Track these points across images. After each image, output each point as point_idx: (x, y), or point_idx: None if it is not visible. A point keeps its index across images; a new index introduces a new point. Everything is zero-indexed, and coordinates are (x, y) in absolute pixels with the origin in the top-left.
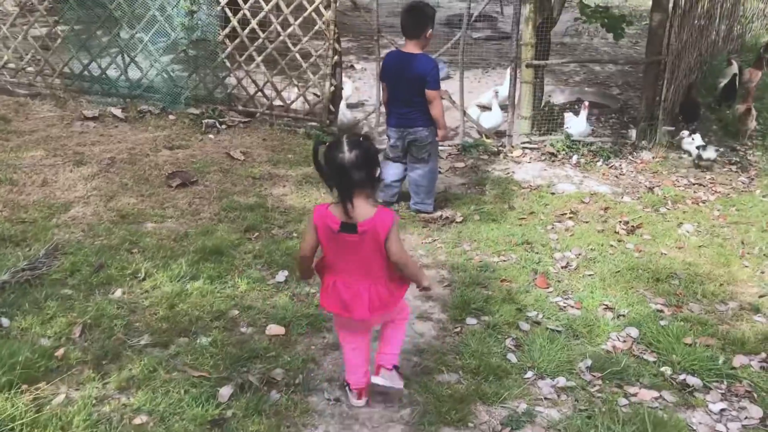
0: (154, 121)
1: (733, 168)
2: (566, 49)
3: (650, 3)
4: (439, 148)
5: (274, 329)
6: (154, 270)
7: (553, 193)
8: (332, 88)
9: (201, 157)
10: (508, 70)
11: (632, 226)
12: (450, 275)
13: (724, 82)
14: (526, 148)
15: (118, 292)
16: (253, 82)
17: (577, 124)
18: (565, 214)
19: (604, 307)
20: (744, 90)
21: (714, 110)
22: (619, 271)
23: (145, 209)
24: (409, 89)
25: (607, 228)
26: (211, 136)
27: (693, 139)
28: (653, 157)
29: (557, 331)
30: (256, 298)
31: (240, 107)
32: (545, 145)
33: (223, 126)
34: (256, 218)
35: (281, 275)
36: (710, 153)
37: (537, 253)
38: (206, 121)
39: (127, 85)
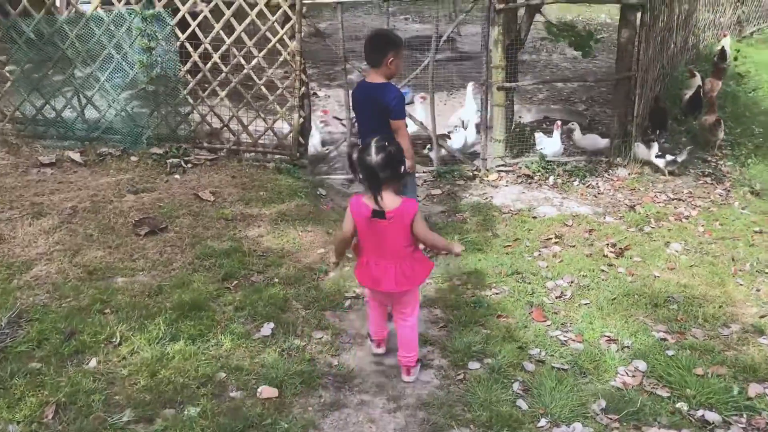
0: (115, 164)
1: (708, 180)
2: (527, 67)
3: (603, 17)
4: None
5: (266, 391)
6: (130, 333)
7: (534, 217)
8: (301, 120)
9: (168, 200)
10: (469, 89)
11: (620, 249)
12: (444, 314)
13: (689, 93)
14: (502, 171)
15: (93, 362)
16: (218, 117)
17: (550, 144)
18: (550, 239)
19: (606, 338)
20: (707, 100)
21: (681, 121)
22: (615, 298)
23: (114, 262)
24: (376, 120)
25: (594, 252)
26: (176, 176)
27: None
28: (629, 174)
29: (563, 369)
30: (242, 357)
31: (205, 144)
32: (520, 168)
33: (189, 165)
34: (233, 265)
35: (267, 328)
36: (667, 158)
37: (529, 283)
38: (171, 161)
39: (84, 127)
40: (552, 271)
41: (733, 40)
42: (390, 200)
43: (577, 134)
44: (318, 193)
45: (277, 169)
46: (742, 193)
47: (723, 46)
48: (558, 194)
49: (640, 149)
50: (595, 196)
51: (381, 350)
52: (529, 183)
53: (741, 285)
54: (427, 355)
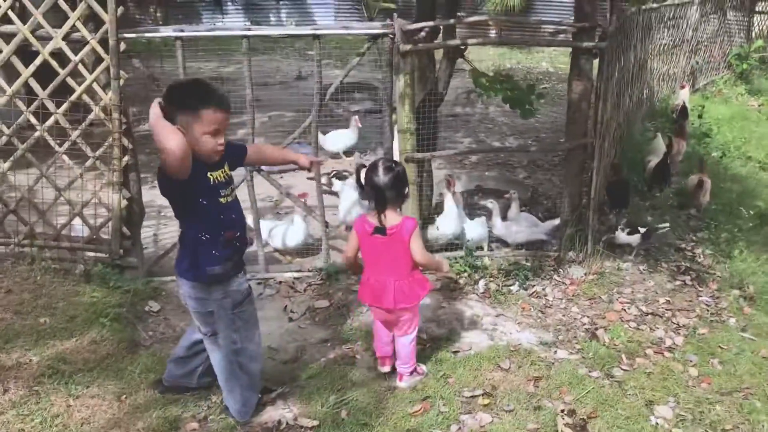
0: None
1: (687, 279)
2: (458, 122)
3: (544, 65)
4: (266, 291)
5: None
6: None
7: (456, 353)
8: (125, 202)
9: None
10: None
11: (582, 419)
12: None
13: (655, 160)
14: None
15: None
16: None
17: (470, 229)
18: (477, 396)
19: None
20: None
21: (644, 195)
22: None
23: None
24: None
25: (543, 423)
26: None
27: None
28: (585, 274)
29: None
30: None
31: None
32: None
33: None
34: None
35: None
36: (624, 237)
37: None
38: None
39: None
40: None
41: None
42: (392, 217)
43: (498, 223)
44: (146, 309)
45: (86, 275)
46: (733, 299)
47: (683, 101)
48: (491, 308)
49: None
50: (542, 312)
51: (386, 368)
52: (452, 290)
53: None
54: None
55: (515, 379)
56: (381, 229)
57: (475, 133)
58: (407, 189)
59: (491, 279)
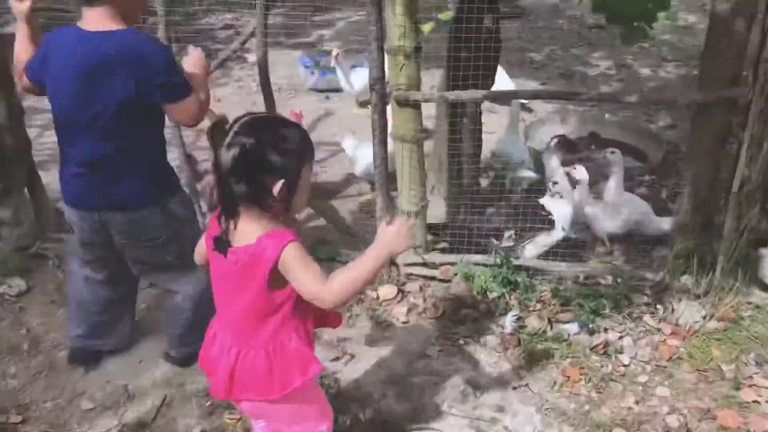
0: None
1: None
2: (526, 25)
3: None
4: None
5: None
6: None
7: None
8: None
9: None
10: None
11: None
12: None
13: None
14: (413, 278)
15: None
16: None
17: (559, 209)
18: None
19: None
20: None
21: None
22: None
23: None
24: (103, 109)
25: None
26: None
27: None
28: (704, 318)
29: None
30: None
31: None
32: (454, 277)
33: None
34: None
35: None
36: None
37: None
38: None
39: None
40: None
41: None
42: (248, 230)
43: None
44: (1, 291)
45: None
46: None
47: None
48: (509, 368)
49: None
50: (599, 390)
51: None
52: (461, 322)
53: None
54: None
55: None
56: (221, 243)
57: (621, 54)
58: (280, 183)
59: (534, 310)
